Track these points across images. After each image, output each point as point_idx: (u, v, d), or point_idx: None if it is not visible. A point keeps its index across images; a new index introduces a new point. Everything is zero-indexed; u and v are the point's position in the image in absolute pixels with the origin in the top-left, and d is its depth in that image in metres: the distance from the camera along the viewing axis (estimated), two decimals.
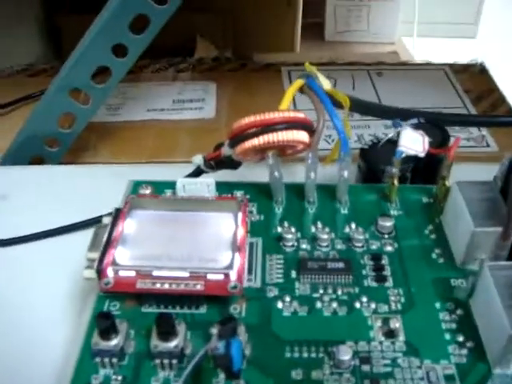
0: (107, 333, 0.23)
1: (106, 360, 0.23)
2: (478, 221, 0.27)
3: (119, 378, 0.23)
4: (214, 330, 0.23)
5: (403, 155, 0.30)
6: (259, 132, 0.28)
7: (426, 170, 0.35)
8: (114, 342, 0.23)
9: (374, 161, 0.34)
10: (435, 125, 0.36)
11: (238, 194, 0.32)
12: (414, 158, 0.31)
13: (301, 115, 0.29)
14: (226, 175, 0.34)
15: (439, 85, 0.58)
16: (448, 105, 0.56)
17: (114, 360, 0.23)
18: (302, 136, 0.29)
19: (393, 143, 0.32)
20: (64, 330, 0.28)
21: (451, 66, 0.61)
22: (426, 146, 0.30)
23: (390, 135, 0.34)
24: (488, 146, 0.51)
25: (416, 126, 0.34)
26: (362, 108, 0.41)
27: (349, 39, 1.18)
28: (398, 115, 0.38)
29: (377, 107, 0.43)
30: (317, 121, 0.30)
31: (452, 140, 0.34)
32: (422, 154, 0.30)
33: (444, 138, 0.36)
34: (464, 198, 0.28)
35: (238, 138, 0.29)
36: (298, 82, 0.31)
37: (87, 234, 0.28)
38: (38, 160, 0.46)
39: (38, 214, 0.37)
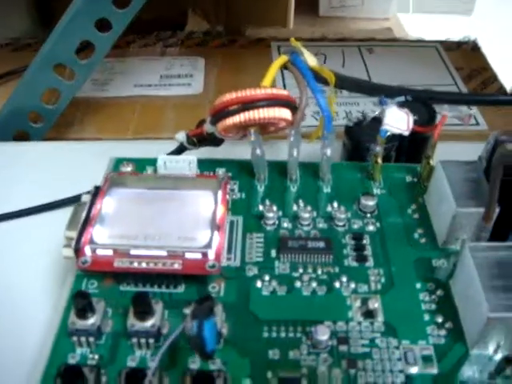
0: (84, 312, 0.23)
1: (83, 339, 0.23)
2: (460, 201, 0.27)
3: (96, 356, 0.23)
4: (189, 310, 0.23)
5: (388, 134, 0.30)
6: (241, 109, 0.28)
7: (411, 148, 0.35)
8: (91, 321, 0.23)
9: (359, 138, 0.33)
10: (422, 103, 0.36)
11: (220, 171, 0.32)
12: (398, 137, 0.31)
13: (284, 92, 0.29)
14: (208, 152, 0.34)
15: (430, 62, 0.58)
16: (439, 82, 0.55)
17: (91, 339, 0.23)
18: (285, 113, 0.28)
19: (378, 121, 0.31)
20: (43, 309, 0.28)
21: (443, 43, 0.61)
22: (411, 125, 0.30)
23: (375, 113, 0.33)
24: (477, 124, 0.50)
25: (402, 104, 0.33)
26: (349, 84, 0.40)
27: (343, 14, 1.17)
28: (386, 92, 0.38)
29: (364, 84, 0.42)
30: (299, 98, 0.29)
31: (438, 118, 0.33)
32: (406, 133, 0.29)
33: (430, 116, 0.35)
34: (447, 178, 0.28)
35: (219, 115, 0.28)
36: (282, 58, 0.31)
37: (68, 212, 0.28)
38: (23, 135, 0.45)
39: (19, 191, 0.37)
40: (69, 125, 0.48)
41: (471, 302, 0.23)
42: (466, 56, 0.59)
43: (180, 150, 0.34)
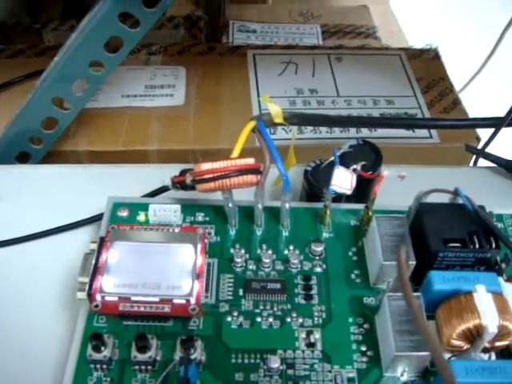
0: (98, 347, 0.32)
1: (98, 366, 0.33)
2: (386, 255, 0.36)
3: (108, 379, 0.33)
4: (178, 354, 0.32)
5: (335, 192, 0.39)
6: (215, 178, 0.37)
7: (360, 188, 0.44)
8: (104, 353, 0.33)
9: (315, 183, 0.42)
10: (371, 146, 0.45)
11: (200, 216, 0.41)
12: None
13: (250, 161, 0.37)
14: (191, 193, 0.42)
15: (394, 71, 0.66)
16: (399, 93, 0.64)
17: (104, 366, 0.33)
18: (251, 179, 0.37)
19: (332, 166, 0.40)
20: (54, 336, 0.37)
21: (407, 51, 0.69)
22: (354, 184, 0.39)
23: (330, 159, 0.42)
24: (431, 137, 0.60)
25: (354, 146, 0.43)
26: (308, 121, 0.49)
27: None
28: (343, 124, 0.47)
29: (321, 118, 0.51)
30: (263, 163, 0.38)
31: (382, 169, 0.42)
32: (348, 192, 0.38)
33: (377, 158, 0.44)
34: (379, 232, 0.37)
35: (198, 180, 0.37)
36: (250, 125, 0.39)
37: (69, 236, 0.38)
38: (24, 155, 0.54)
39: (23, 214, 0.45)
40: (63, 137, 0.57)
41: (386, 338, 0.33)
42: (427, 65, 0.68)
43: (165, 190, 0.43)
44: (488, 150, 0.52)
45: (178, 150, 0.57)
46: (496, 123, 0.48)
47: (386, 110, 0.61)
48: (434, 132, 0.60)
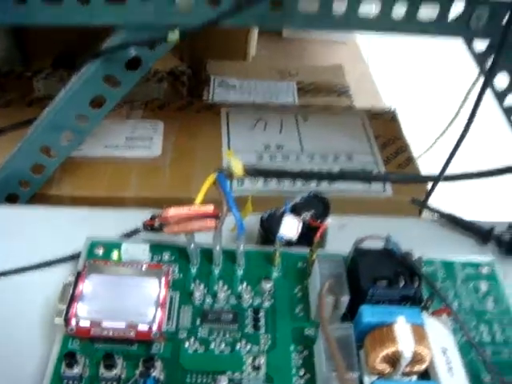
0: (71, 365, 0.39)
1: (70, 382, 0.39)
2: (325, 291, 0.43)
3: None
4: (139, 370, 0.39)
5: (283, 239, 0.46)
6: (179, 222, 0.44)
7: (310, 235, 0.51)
8: (76, 370, 0.39)
9: (268, 230, 0.50)
10: (320, 198, 0.52)
11: (166, 255, 0.47)
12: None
13: (210, 208, 0.45)
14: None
15: (355, 130, 0.74)
16: (359, 150, 0.72)
17: (75, 382, 0.39)
18: (209, 224, 0.44)
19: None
20: (34, 357, 0.43)
21: (368, 111, 0.77)
22: (299, 230, 0.46)
23: (283, 209, 0.50)
24: (385, 190, 0.67)
25: (306, 198, 0.50)
26: (264, 174, 0.56)
27: (307, 36, 1.33)
28: (299, 177, 0.55)
29: (277, 172, 0.58)
30: (221, 210, 0.45)
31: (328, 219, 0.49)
32: (294, 239, 0.46)
33: (325, 208, 0.52)
34: (319, 273, 0.44)
35: (164, 224, 0.44)
36: (211, 177, 0.46)
37: (52, 271, 0.45)
38: (13, 196, 0.61)
39: (8, 251, 0.51)
40: (49, 182, 0.64)
41: (320, 364, 0.40)
42: (385, 125, 0.76)
43: (137, 231, 0.50)
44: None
45: (154, 197, 0.64)
46: (433, 178, 0.56)
47: (345, 165, 0.69)
48: (388, 186, 0.67)
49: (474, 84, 0.84)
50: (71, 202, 0.64)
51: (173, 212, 0.44)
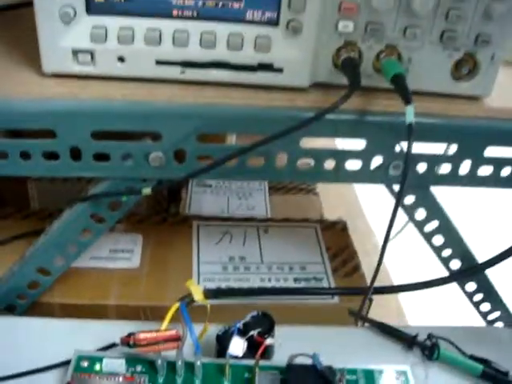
0: None
1: None
2: None
3: None
4: None
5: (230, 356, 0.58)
6: (148, 344, 0.56)
7: (256, 348, 0.63)
8: None
9: (222, 345, 0.62)
10: (266, 316, 0.65)
11: (139, 367, 0.59)
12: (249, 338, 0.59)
13: (173, 332, 0.57)
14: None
15: (309, 241, 0.87)
16: (311, 260, 0.84)
17: None
18: (173, 346, 0.56)
19: (241, 332, 0.60)
20: None
21: (321, 222, 0.90)
22: (245, 349, 0.58)
23: (234, 327, 0.62)
24: (332, 298, 0.80)
25: (255, 317, 0.63)
26: (224, 295, 0.69)
27: None
28: (252, 294, 0.67)
29: (234, 291, 0.71)
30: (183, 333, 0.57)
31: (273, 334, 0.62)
32: (240, 355, 0.58)
33: (271, 325, 0.64)
34: (258, 383, 0.56)
35: (134, 344, 0.56)
36: (175, 306, 0.59)
37: (39, 376, 0.56)
38: (11, 307, 0.73)
39: (5, 357, 0.63)
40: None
41: None
42: (336, 236, 0.89)
43: (116, 345, 0.63)
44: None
45: (132, 305, 0.76)
46: (361, 292, 0.69)
47: (299, 275, 0.81)
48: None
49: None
50: (61, 308, 0.76)
51: (143, 336, 0.56)
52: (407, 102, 0.53)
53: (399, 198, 0.56)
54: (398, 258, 0.94)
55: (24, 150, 0.60)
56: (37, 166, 0.61)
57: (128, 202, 0.64)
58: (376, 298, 0.76)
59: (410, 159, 0.56)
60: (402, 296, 1.08)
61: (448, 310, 0.85)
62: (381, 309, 0.91)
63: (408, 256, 1.31)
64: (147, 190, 0.60)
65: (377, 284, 0.73)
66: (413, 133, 0.53)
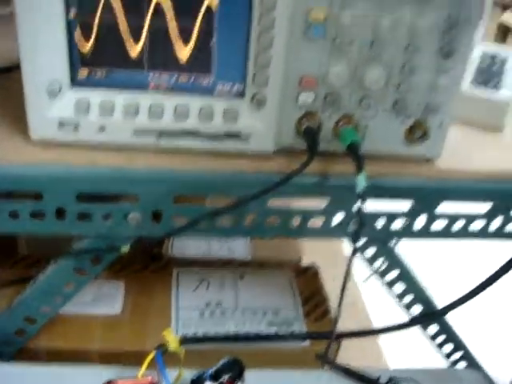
0: None
1: None
2: None
3: None
4: None
5: None
6: None
7: None
8: None
9: None
10: (237, 362, 0.70)
11: None
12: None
13: (148, 379, 0.62)
14: None
15: (283, 287, 0.93)
16: (284, 305, 0.90)
17: None
18: None
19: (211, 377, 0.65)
20: None
21: (295, 267, 0.96)
22: None
23: (208, 372, 0.67)
24: (303, 341, 0.85)
25: (226, 363, 0.68)
26: (198, 342, 0.74)
27: None
28: (226, 340, 0.72)
29: (208, 338, 0.76)
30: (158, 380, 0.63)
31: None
32: None
33: (241, 370, 0.69)
34: None
35: None
36: (151, 355, 0.64)
37: None
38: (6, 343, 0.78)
39: None
40: None
41: None
42: (308, 281, 0.94)
43: None
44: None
45: (114, 350, 0.81)
46: (326, 336, 0.74)
47: (272, 319, 0.87)
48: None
49: None
50: (45, 353, 0.81)
51: (121, 383, 0.62)
52: (359, 170, 0.59)
53: (353, 253, 0.62)
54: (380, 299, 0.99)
55: (13, 210, 0.65)
56: (24, 224, 0.66)
57: (108, 256, 0.69)
58: (355, 341, 0.82)
59: (366, 218, 0.62)
60: (382, 338, 1.14)
61: (427, 350, 0.91)
62: (360, 352, 0.97)
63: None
64: (125, 248, 0.66)
65: (356, 327, 0.79)
66: (365, 198, 0.59)
